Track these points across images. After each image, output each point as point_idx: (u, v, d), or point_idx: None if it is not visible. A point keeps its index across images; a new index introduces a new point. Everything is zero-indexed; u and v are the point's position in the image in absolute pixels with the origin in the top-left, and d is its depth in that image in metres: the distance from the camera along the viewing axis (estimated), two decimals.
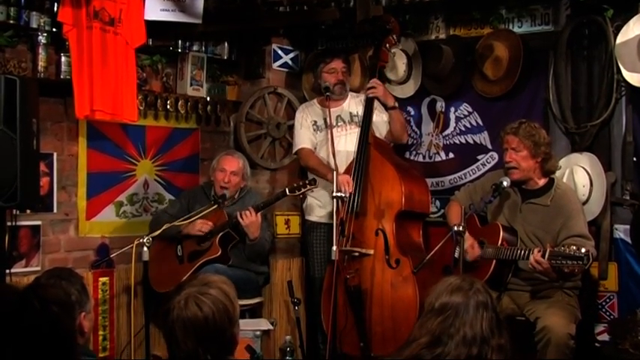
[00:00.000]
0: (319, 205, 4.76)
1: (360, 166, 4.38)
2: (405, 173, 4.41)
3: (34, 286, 2.44)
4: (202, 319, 2.13)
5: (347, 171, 4.41)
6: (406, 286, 4.16)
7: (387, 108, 4.62)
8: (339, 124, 4.68)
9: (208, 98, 5.16)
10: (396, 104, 4.60)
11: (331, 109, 4.56)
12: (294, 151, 4.89)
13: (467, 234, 3.78)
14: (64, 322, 1.78)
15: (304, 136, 4.77)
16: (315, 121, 4.78)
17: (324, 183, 4.56)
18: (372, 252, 4.31)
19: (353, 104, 4.75)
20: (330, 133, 4.44)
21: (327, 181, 4.46)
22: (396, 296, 4.20)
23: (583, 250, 3.42)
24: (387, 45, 4.61)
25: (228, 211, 4.54)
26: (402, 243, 4.29)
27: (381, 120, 4.66)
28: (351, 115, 4.72)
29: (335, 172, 4.15)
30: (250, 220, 4.38)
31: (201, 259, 4.45)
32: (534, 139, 3.85)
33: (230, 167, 4.61)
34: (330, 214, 4.50)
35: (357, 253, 4.32)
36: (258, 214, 4.41)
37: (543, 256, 3.54)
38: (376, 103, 4.60)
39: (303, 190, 4.36)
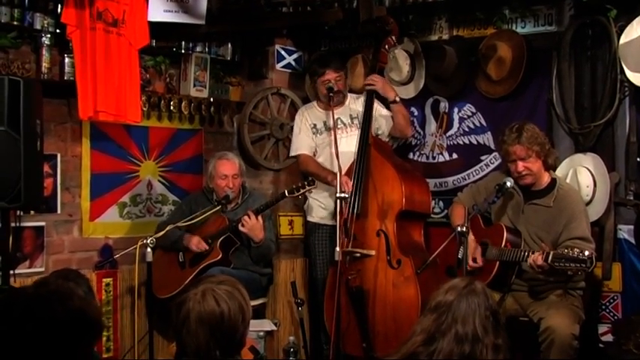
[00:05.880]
0: (321, 206, 4.75)
1: (361, 167, 4.38)
2: (406, 173, 4.40)
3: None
4: (219, 314, 2.16)
5: (348, 172, 4.40)
6: (408, 286, 4.15)
7: (388, 102, 4.58)
8: (339, 126, 4.65)
9: (211, 99, 5.16)
10: (398, 98, 4.55)
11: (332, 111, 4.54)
12: (290, 154, 4.89)
13: (470, 235, 3.79)
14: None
15: (303, 142, 4.76)
16: (315, 124, 4.77)
17: (324, 185, 4.56)
18: (373, 253, 4.31)
19: (353, 105, 4.72)
20: (334, 134, 4.43)
21: (327, 184, 4.48)
22: (397, 296, 4.19)
23: (587, 252, 3.41)
24: (386, 46, 4.59)
25: (232, 215, 4.54)
26: (404, 243, 4.29)
27: (380, 116, 4.63)
28: (351, 117, 4.70)
29: (338, 173, 4.14)
30: (251, 224, 4.38)
31: (202, 263, 4.46)
32: (538, 141, 3.86)
33: (230, 172, 4.60)
34: (332, 215, 4.50)
35: (358, 254, 4.32)
36: (259, 216, 4.41)
37: (546, 259, 3.53)
38: (377, 103, 4.58)
39: (302, 190, 4.35)
